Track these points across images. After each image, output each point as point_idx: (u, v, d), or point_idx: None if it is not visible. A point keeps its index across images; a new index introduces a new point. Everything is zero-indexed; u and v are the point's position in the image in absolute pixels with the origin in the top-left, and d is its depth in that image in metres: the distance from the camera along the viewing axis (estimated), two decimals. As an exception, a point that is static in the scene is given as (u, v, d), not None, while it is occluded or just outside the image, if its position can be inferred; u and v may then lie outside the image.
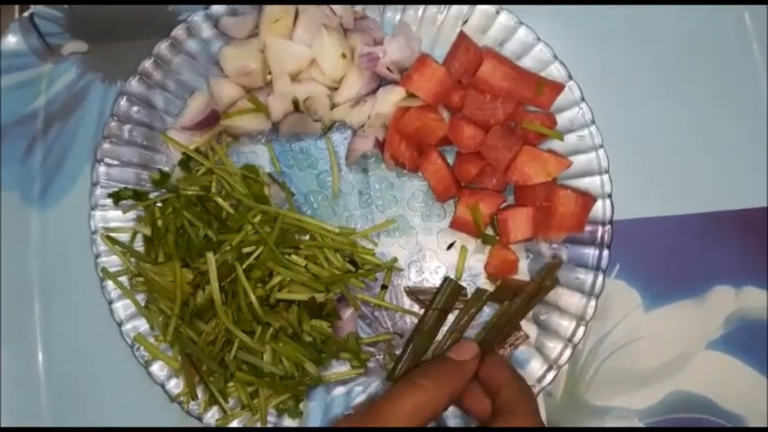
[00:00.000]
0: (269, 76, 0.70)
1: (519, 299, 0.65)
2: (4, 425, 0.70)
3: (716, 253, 0.70)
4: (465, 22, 0.70)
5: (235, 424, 0.67)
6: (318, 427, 0.66)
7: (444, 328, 0.67)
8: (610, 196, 0.67)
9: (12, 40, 0.74)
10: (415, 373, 0.58)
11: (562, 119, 0.68)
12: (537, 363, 0.66)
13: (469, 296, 0.68)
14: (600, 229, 0.67)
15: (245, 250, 0.66)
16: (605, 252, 0.67)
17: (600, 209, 0.67)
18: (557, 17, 0.72)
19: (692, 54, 0.72)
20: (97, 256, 0.69)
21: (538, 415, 0.57)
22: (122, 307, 0.68)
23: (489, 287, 0.69)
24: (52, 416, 0.71)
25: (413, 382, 0.56)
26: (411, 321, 0.69)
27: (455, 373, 0.58)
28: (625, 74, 0.72)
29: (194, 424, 0.67)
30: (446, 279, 0.68)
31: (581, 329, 0.66)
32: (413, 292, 0.69)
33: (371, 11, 0.71)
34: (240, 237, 0.66)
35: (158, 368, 0.68)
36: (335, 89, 0.70)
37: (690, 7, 0.72)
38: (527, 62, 0.69)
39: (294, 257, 0.67)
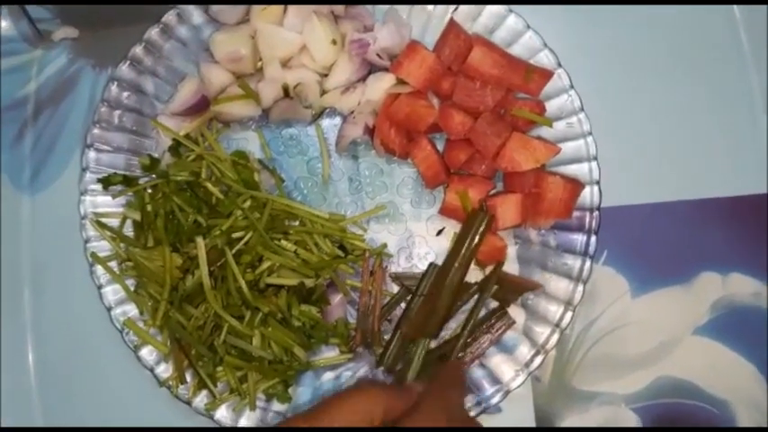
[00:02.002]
0: (259, 63, 0.70)
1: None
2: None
3: (703, 240, 0.71)
4: (455, 10, 0.70)
5: (223, 408, 0.67)
6: (272, 427, 0.67)
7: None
8: (598, 183, 0.68)
9: (2, 26, 0.74)
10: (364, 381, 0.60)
11: (551, 106, 0.69)
12: (525, 347, 0.67)
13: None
14: (588, 215, 0.67)
15: (235, 235, 0.66)
16: (593, 238, 0.67)
17: (588, 195, 0.68)
18: (546, 5, 0.72)
19: (680, 42, 0.73)
20: (87, 241, 0.69)
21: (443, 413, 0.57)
22: (112, 292, 0.68)
23: (477, 274, 0.69)
24: (42, 401, 0.71)
25: (359, 387, 0.58)
26: (400, 307, 0.69)
27: (396, 394, 0.58)
28: (614, 62, 0.72)
29: (183, 408, 0.67)
30: (431, 265, 0.68)
31: (568, 314, 0.66)
32: (398, 278, 0.69)
33: (362, -2, 0.71)
34: (230, 222, 0.66)
35: (147, 353, 0.68)
36: (326, 75, 0.70)
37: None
38: (516, 49, 0.69)
39: (284, 243, 0.67)
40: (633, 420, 0.70)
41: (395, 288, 0.70)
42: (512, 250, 0.69)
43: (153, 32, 0.70)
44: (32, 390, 0.71)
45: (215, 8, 0.70)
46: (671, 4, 0.72)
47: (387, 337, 0.68)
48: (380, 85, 0.69)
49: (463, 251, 0.66)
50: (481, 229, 0.66)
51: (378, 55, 0.68)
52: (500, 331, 0.67)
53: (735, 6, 0.73)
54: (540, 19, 0.69)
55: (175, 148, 0.69)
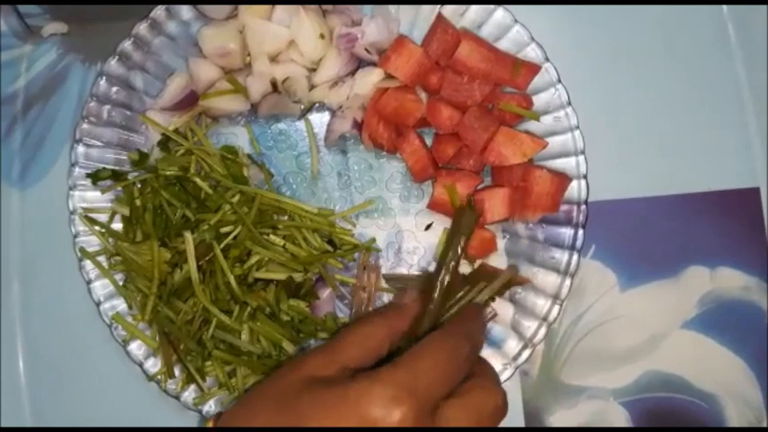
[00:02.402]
0: (248, 57, 0.70)
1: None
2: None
3: (691, 234, 0.71)
4: (443, 5, 0.70)
5: (212, 403, 0.67)
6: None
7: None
8: (585, 177, 0.68)
9: (-8, 21, 0.74)
10: (357, 322, 0.60)
11: (538, 100, 0.69)
12: (513, 341, 0.67)
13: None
14: (575, 209, 0.67)
15: (224, 230, 0.66)
16: (580, 232, 0.67)
17: (575, 189, 0.68)
18: (535, 4, 0.72)
19: (668, 36, 0.72)
20: (76, 236, 0.69)
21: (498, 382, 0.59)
22: (100, 286, 0.68)
23: (466, 269, 0.69)
24: (31, 395, 0.71)
25: (355, 328, 0.58)
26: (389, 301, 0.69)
27: (395, 313, 0.61)
28: (601, 56, 0.72)
29: (172, 403, 0.67)
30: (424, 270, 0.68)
31: (556, 308, 0.66)
32: (390, 279, 0.70)
33: (350, -8, 0.71)
34: (218, 216, 0.66)
35: (136, 347, 0.68)
36: (314, 70, 0.70)
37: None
38: (504, 44, 0.69)
39: (272, 237, 0.67)
40: (621, 414, 0.70)
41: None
42: (500, 244, 0.70)
43: (142, 28, 0.70)
44: (21, 385, 0.71)
45: (204, 3, 0.70)
46: (658, 4, 0.73)
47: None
48: (369, 80, 0.69)
49: (451, 254, 0.65)
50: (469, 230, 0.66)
51: (366, 49, 0.69)
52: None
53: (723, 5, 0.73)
54: (527, 13, 0.69)
55: (164, 143, 0.70)
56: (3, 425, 0.71)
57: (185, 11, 0.71)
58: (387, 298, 0.70)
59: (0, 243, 0.72)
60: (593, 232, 0.68)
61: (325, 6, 0.70)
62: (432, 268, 0.70)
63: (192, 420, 0.69)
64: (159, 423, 0.70)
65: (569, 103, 0.68)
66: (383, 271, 0.70)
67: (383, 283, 0.70)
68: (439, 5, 0.70)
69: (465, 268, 0.69)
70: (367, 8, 0.71)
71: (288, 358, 0.66)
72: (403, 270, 0.71)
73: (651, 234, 0.71)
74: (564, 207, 0.67)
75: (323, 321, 0.68)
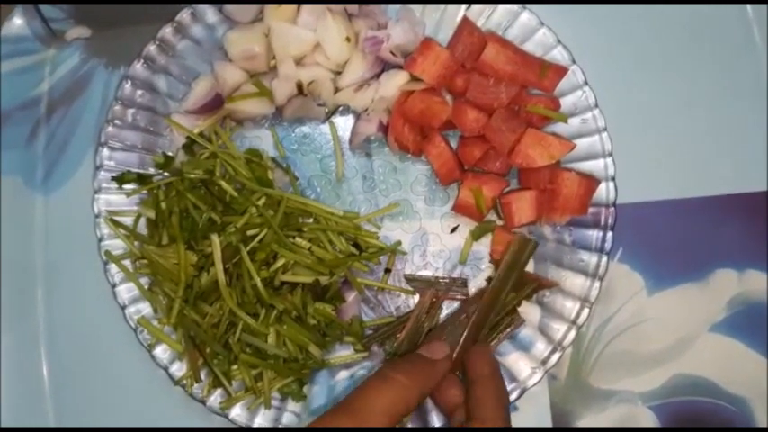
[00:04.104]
0: (273, 61, 0.70)
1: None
2: (6, 407, 0.70)
3: (718, 236, 0.70)
4: (469, 7, 0.70)
5: (238, 407, 0.67)
6: (291, 427, 0.66)
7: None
8: (613, 179, 0.67)
9: (15, 25, 0.74)
10: (387, 367, 0.57)
11: (566, 102, 0.68)
12: (541, 344, 0.67)
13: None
14: (603, 211, 0.67)
15: (250, 233, 0.66)
16: (609, 234, 0.67)
17: (603, 191, 0.67)
18: (559, 5, 0.72)
19: (694, 39, 0.72)
20: (101, 240, 0.69)
21: (506, 415, 0.57)
22: (126, 290, 0.68)
23: (492, 271, 0.69)
24: (54, 400, 0.70)
25: (386, 377, 0.55)
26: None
27: (427, 371, 0.58)
28: (628, 58, 0.72)
29: (197, 407, 0.67)
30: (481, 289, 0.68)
31: (585, 311, 0.66)
32: (411, 280, 0.69)
33: (376, -4, 0.71)
34: (244, 219, 0.66)
35: (162, 351, 0.68)
36: (339, 73, 0.70)
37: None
38: (530, 46, 0.69)
39: (298, 240, 0.67)
40: (650, 418, 0.69)
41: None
42: (527, 247, 0.69)
43: (167, 31, 0.70)
44: (45, 389, 0.70)
45: (229, 7, 0.70)
46: (684, 4, 0.72)
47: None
48: (394, 83, 0.69)
49: (499, 284, 0.65)
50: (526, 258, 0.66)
51: (391, 52, 0.68)
52: (509, 330, 0.66)
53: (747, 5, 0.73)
54: (553, 16, 0.69)
55: (189, 146, 0.69)
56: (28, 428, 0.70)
57: (210, 14, 0.71)
58: (413, 301, 0.69)
59: (24, 248, 0.72)
60: (620, 235, 0.68)
61: (350, 10, 0.70)
62: (457, 273, 0.70)
63: (216, 425, 0.69)
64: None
65: (596, 106, 0.68)
66: (407, 271, 0.70)
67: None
68: (465, 7, 0.70)
69: (492, 272, 0.69)
70: (392, 11, 0.71)
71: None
72: (428, 273, 0.70)
73: (678, 236, 0.70)
74: (591, 209, 0.67)
75: (349, 325, 0.67)
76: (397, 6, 0.71)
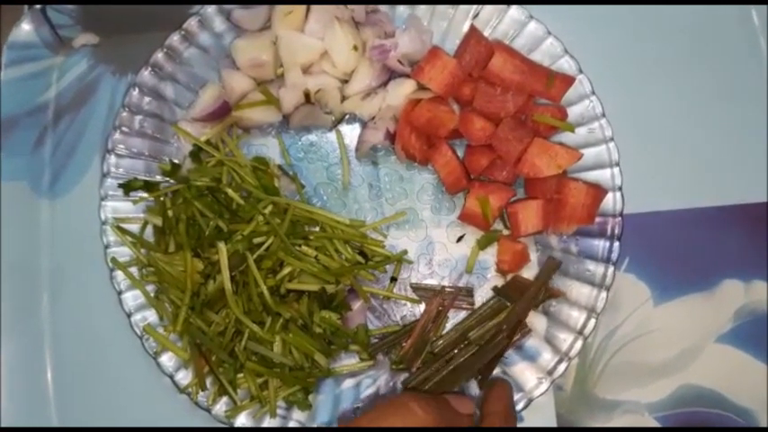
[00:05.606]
0: (280, 69, 0.70)
1: (523, 301, 0.65)
2: (9, 414, 0.70)
3: (725, 247, 0.70)
4: (476, 17, 0.70)
5: (243, 416, 0.67)
6: (300, 427, 0.66)
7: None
8: (620, 189, 0.67)
9: (24, 31, 0.74)
10: (410, 397, 0.57)
11: (572, 112, 0.69)
12: (548, 354, 0.66)
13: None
14: (610, 221, 0.67)
15: (256, 241, 0.66)
16: (616, 244, 0.67)
17: (610, 201, 0.67)
18: (566, 11, 0.72)
19: (700, 49, 0.73)
20: (107, 247, 0.69)
21: None
22: (132, 297, 0.68)
23: (498, 281, 0.69)
24: (58, 407, 0.70)
25: (406, 406, 0.55)
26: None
27: (447, 418, 0.57)
28: (635, 68, 0.72)
29: (202, 416, 0.67)
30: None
31: (591, 321, 0.66)
32: (417, 288, 0.69)
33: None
34: (251, 227, 0.66)
35: (167, 359, 0.67)
36: (346, 81, 0.70)
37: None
38: (537, 56, 0.69)
39: (304, 248, 0.67)
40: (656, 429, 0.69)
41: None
42: (533, 257, 0.69)
43: (174, 39, 0.70)
44: (50, 395, 0.70)
45: (237, 15, 0.70)
46: (692, 3, 0.72)
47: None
48: (401, 91, 0.69)
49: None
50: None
51: (399, 61, 0.69)
52: (517, 340, 0.66)
53: (753, 14, 0.73)
54: (560, 25, 0.69)
55: (196, 153, 0.70)
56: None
57: (218, 22, 0.71)
58: (419, 310, 0.69)
59: (30, 253, 0.72)
60: (627, 245, 0.68)
61: (358, 18, 0.70)
62: (463, 282, 0.70)
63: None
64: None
65: (603, 115, 0.68)
66: (413, 280, 0.70)
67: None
68: (472, 16, 0.70)
69: (498, 281, 0.69)
70: (400, 20, 0.71)
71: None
72: (434, 282, 0.70)
73: (685, 247, 0.70)
74: (598, 219, 0.67)
75: (354, 333, 0.67)
76: (405, 15, 0.71)
